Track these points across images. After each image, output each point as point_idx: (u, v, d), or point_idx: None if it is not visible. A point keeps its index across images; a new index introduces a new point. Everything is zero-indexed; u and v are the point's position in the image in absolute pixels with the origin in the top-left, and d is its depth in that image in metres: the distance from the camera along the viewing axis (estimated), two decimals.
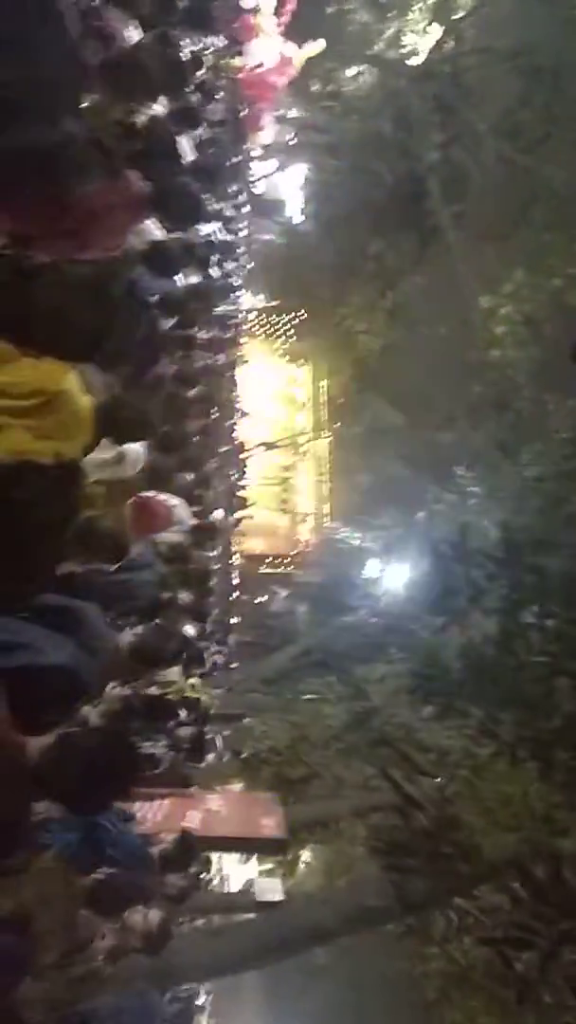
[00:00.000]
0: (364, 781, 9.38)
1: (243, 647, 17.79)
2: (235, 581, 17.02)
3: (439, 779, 5.93)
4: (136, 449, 3.08)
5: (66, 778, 2.17)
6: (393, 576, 19.79)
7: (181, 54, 4.58)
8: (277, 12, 12.01)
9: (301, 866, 10.89)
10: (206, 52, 7.06)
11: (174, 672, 5.58)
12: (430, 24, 19.55)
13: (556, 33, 16.76)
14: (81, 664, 2.08)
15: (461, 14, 19.00)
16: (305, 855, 10.82)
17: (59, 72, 2.32)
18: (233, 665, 15.43)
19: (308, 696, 12.38)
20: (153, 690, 4.78)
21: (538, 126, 17.78)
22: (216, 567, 9.66)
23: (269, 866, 10.88)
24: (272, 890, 7.10)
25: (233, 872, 12.99)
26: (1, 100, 2.22)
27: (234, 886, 12.27)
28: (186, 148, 5.00)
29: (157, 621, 4.10)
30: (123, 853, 3.28)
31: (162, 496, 4.13)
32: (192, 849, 4.39)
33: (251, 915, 7.06)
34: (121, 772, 2.32)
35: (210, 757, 9.06)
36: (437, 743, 7.80)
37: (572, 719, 5.56)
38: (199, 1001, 11.87)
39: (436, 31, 19.41)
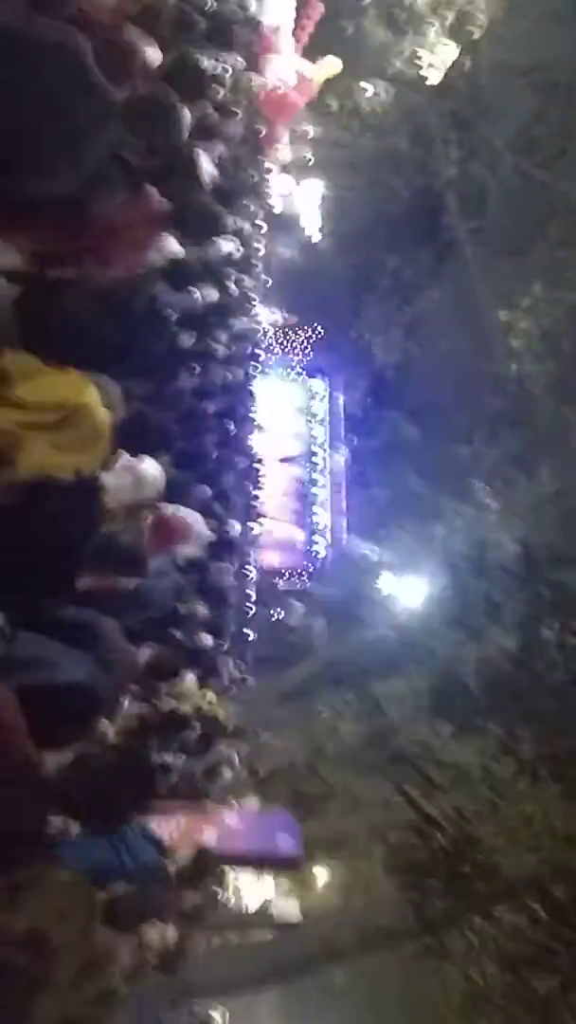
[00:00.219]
0: (382, 799, 9.30)
1: (260, 662, 17.74)
2: (252, 595, 16.98)
3: (458, 798, 5.86)
4: (154, 473, 3.09)
5: (83, 795, 2.17)
6: (410, 591, 19.69)
7: (202, 71, 4.64)
8: (295, 32, 12.12)
9: (318, 884, 10.79)
10: (226, 71, 7.15)
11: (190, 686, 5.58)
12: (447, 41, 19.67)
13: (572, 49, 16.83)
14: (98, 681, 2.08)
15: (477, 33, 19.10)
16: (322, 873, 10.73)
17: (86, 119, 2.36)
18: (250, 680, 15.38)
19: (325, 712, 12.32)
20: (169, 704, 4.77)
21: (554, 142, 17.81)
22: (233, 581, 9.65)
23: (286, 885, 10.80)
24: (289, 909, 7.04)
25: (249, 890, 12.89)
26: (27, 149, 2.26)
27: (251, 904, 12.18)
28: (205, 165, 5.05)
29: (174, 635, 4.11)
30: (139, 868, 3.27)
31: (180, 511, 4.14)
32: (209, 866, 4.37)
33: (268, 934, 7.01)
34: (137, 790, 2.31)
35: (227, 774, 9.02)
36: (456, 761, 7.73)
37: None
38: (214, 1020, 11.74)
39: (453, 49, 19.52)
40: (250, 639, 15.99)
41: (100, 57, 2.57)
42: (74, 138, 2.40)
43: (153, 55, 3.70)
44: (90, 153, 2.54)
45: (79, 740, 2.20)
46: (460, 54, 19.12)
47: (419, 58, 19.77)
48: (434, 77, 19.31)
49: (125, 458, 2.86)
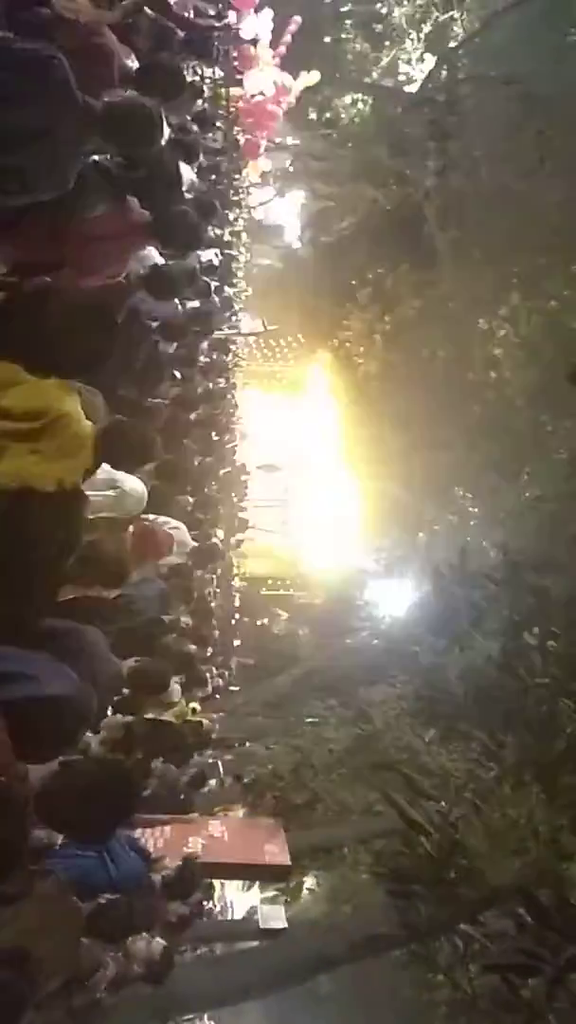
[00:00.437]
0: (368, 806, 9.29)
1: (245, 670, 17.71)
2: (236, 603, 16.97)
3: (443, 803, 5.88)
4: (137, 489, 3.10)
5: (67, 807, 2.16)
6: (394, 597, 19.78)
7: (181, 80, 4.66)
8: (274, 43, 12.23)
9: (305, 893, 10.75)
10: (205, 81, 7.20)
11: (176, 695, 5.55)
12: (425, 53, 19.90)
13: (548, 60, 17.07)
14: (82, 694, 2.07)
15: (455, 43, 19.35)
16: (309, 881, 10.69)
17: (61, 126, 2.37)
18: (234, 688, 15.34)
19: (310, 719, 12.30)
20: (154, 714, 4.75)
21: (532, 151, 18.04)
22: (217, 589, 9.64)
23: (272, 893, 10.75)
24: (275, 918, 7.01)
25: (236, 899, 12.82)
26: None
27: (237, 914, 12.11)
28: (186, 175, 5.06)
29: (158, 644, 4.09)
30: (125, 880, 3.25)
31: (162, 519, 4.14)
32: (194, 877, 4.35)
33: (254, 943, 6.97)
34: (122, 801, 2.30)
35: (212, 782, 8.97)
36: (441, 766, 7.75)
37: (575, 742, 5.53)
38: None
39: (431, 60, 19.76)
40: (235, 647, 15.97)
41: (77, 60, 2.58)
42: (52, 148, 2.40)
43: (130, 63, 3.72)
44: (69, 163, 2.55)
45: (63, 754, 2.19)
46: (437, 65, 19.35)
47: (398, 69, 20.00)
48: (412, 88, 19.53)
49: (108, 473, 2.86)
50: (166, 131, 3.86)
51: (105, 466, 2.71)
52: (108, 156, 3.15)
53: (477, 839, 5.25)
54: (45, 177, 2.36)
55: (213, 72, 8.18)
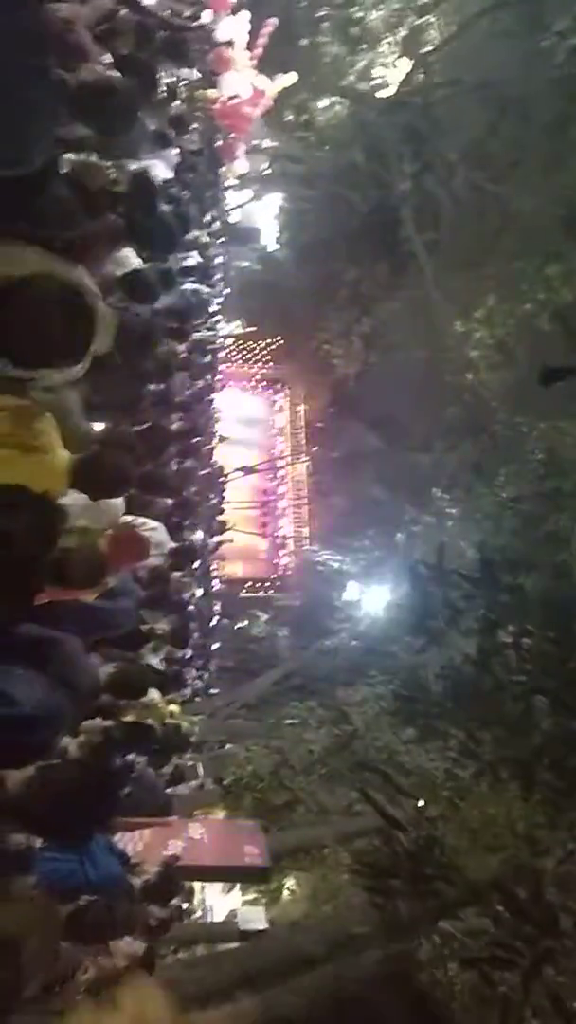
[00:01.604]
0: (347, 806, 9.34)
1: (224, 672, 17.70)
2: (215, 605, 16.97)
3: (421, 801, 5.92)
4: (115, 502, 3.12)
5: (45, 810, 2.16)
6: (373, 598, 19.87)
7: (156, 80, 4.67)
8: (250, 45, 12.25)
9: (285, 894, 10.78)
10: (181, 84, 7.20)
11: (155, 699, 5.55)
12: (400, 57, 20.05)
13: (522, 65, 17.26)
14: (52, 710, 2.06)
15: (430, 48, 19.51)
16: (289, 882, 10.72)
17: (34, 97, 2.34)
18: (214, 691, 15.34)
19: (290, 721, 12.34)
20: (133, 717, 4.75)
21: (506, 155, 18.24)
22: (196, 591, 9.64)
23: (253, 895, 10.76)
24: (255, 919, 7.02)
25: (216, 901, 12.83)
26: None
27: (218, 915, 12.11)
28: (162, 177, 5.08)
29: (136, 653, 4.10)
30: (104, 883, 3.25)
31: (140, 521, 4.15)
32: (174, 880, 4.35)
33: (235, 944, 6.97)
34: (100, 804, 2.30)
35: (192, 785, 8.97)
36: (419, 765, 7.80)
37: (551, 738, 5.59)
38: None
39: (406, 64, 19.90)
40: (214, 649, 15.97)
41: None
42: (23, 119, 2.36)
43: (104, 60, 3.73)
44: (37, 136, 2.50)
45: (39, 761, 2.19)
46: (413, 69, 19.50)
47: (373, 73, 20.12)
48: (388, 92, 19.65)
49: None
50: (141, 113, 3.88)
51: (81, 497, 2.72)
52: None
53: (455, 836, 5.30)
54: (5, 143, 2.31)
55: (190, 73, 8.18)
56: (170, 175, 5.52)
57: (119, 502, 3.27)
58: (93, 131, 3.17)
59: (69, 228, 2.65)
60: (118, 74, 3.63)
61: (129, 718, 4.49)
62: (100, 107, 3.11)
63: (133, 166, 3.59)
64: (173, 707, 6.87)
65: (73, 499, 2.68)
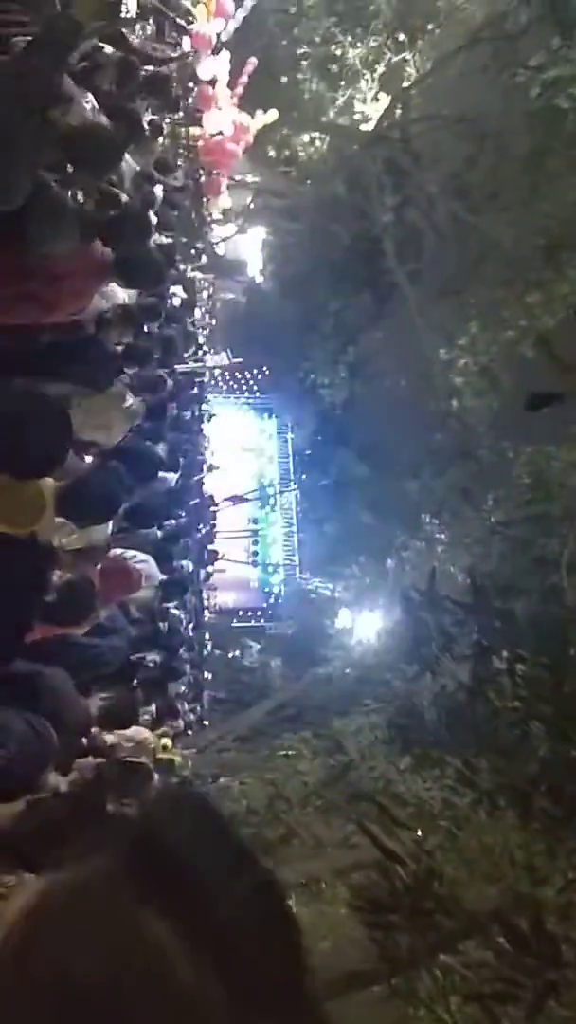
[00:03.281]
0: (344, 839, 9.19)
1: (217, 704, 17.53)
2: (207, 636, 16.86)
3: (418, 832, 5.85)
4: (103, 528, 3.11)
5: (35, 845, 2.12)
6: (365, 625, 19.81)
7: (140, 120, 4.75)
8: (232, 83, 12.50)
9: None
10: (165, 120, 7.32)
11: (146, 734, 5.48)
12: (379, 93, 20.47)
13: (499, 100, 17.66)
14: (35, 752, 2.04)
15: (408, 83, 19.94)
16: None
17: (18, 139, 2.38)
18: (206, 723, 15.17)
19: (284, 752, 12.19)
20: (124, 753, 4.68)
21: (485, 186, 18.58)
22: (187, 622, 9.58)
23: None
24: None
25: None
26: None
27: None
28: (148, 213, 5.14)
29: (127, 682, 4.05)
30: None
31: (130, 553, 4.13)
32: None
33: None
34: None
35: None
36: (416, 794, 7.71)
37: (547, 765, 5.55)
38: None
39: (385, 99, 20.32)
40: (206, 681, 15.83)
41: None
42: (10, 156, 2.39)
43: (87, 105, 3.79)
44: (22, 173, 2.53)
45: (25, 796, 2.15)
46: (391, 105, 19.92)
47: (354, 108, 20.54)
48: (368, 126, 20.05)
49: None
50: (127, 158, 3.94)
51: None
52: (80, 194, 3.20)
53: (454, 867, 5.22)
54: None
55: (175, 112, 8.32)
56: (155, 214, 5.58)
57: (107, 528, 3.26)
58: (79, 171, 3.22)
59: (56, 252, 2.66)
60: (104, 119, 3.69)
61: (122, 757, 4.42)
62: (86, 151, 3.16)
63: (125, 199, 3.64)
64: (165, 741, 6.78)
65: (61, 525, 2.67)
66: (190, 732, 11.77)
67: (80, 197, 3.23)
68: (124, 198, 3.62)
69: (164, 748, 6.53)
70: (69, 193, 3.09)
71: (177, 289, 7.98)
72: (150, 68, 6.21)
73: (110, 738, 4.07)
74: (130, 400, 4.10)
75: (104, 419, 3.81)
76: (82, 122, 3.46)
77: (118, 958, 0.46)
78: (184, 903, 0.49)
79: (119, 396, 4.01)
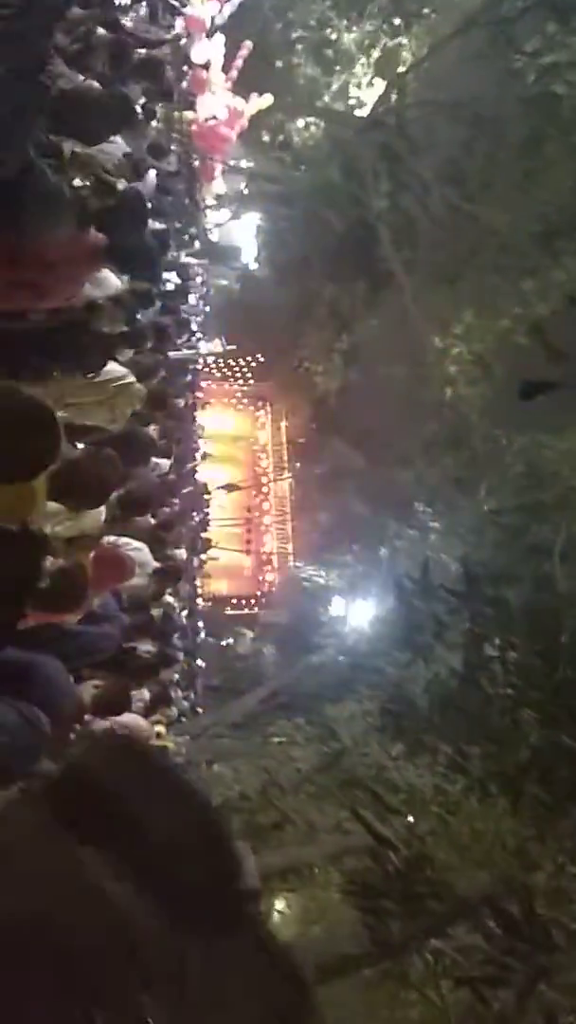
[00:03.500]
0: (337, 824, 9.25)
1: (210, 691, 17.58)
2: (200, 624, 16.88)
3: (410, 818, 5.89)
4: (96, 512, 3.09)
5: None
6: (358, 613, 19.84)
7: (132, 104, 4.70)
8: (226, 67, 12.39)
9: (275, 915, 10.64)
10: (158, 105, 7.25)
11: (140, 723, 5.49)
12: (375, 78, 20.32)
13: (494, 85, 17.55)
14: (17, 746, 2.04)
15: (404, 68, 19.79)
16: (279, 904, 10.59)
17: (15, 102, 2.36)
18: (200, 710, 15.22)
19: (277, 739, 12.24)
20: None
21: (481, 173, 18.49)
22: (181, 610, 9.59)
23: None
24: None
25: None
26: None
27: None
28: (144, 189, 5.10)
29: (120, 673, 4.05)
30: None
31: (123, 540, 4.12)
32: None
33: None
34: None
35: None
36: (408, 781, 7.76)
37: (538, 752, 5.59)
38: None
39: (381, 84, 20.17)
40: (200, 668, 15.86)
41: None
42: (3, 121, 2.37)
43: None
44: (19, 139, 2.50)
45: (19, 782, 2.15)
46: (387, 89, 19.77)
47: (349, 93, 20.39)
48: (363, 112, 19.91)
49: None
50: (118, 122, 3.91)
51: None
52: (76, 180, 3.18)
53: (445, 852, 5.27)
54: None
55: (169, 97, 8.24)
56: (149, 198, 5.54)
57: (100, 512, 3.24)
58: (71, 138, 3.20)
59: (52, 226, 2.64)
60: (96, 84, 3.68)
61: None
62: (78, 116, 3.14)
63: (121, 185, 3.61)
64: (159, 728, 6.80)
65: (55, 510, 2.66)
66: (184, 719, 11.80)
67: (76, 182, 3.21)
68: (120, 186, 3.58)
69: (158, 735, 6.55)
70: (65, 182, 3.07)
71: (171, 275, 7.94)
72: (143, 51, 6.15)
73: (103, 726, 4.07)
74: (131, 379, 4.09)
75: (107, 404, 3.81)
76: (74, 87, 3.43)
77: (46, 887, 0.47)
78: (113, 830, 0.50)
79: (121, 376, 4.01)
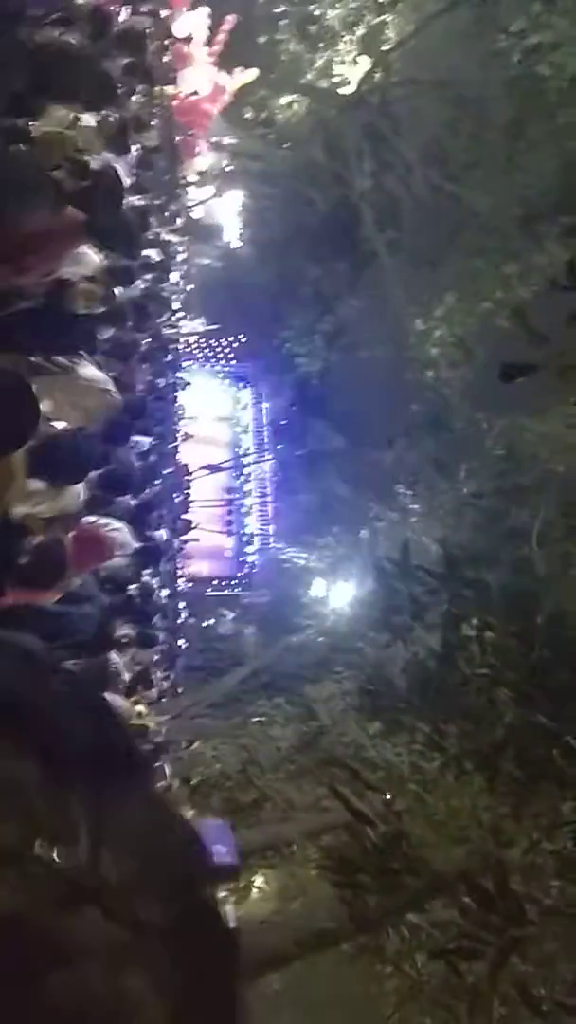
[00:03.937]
0: (315, 802, 9.36)
1: (191, 672, 17.61)
2: (181, 605, 16.87)
3: (388, 795, 5.97)
4: (74, 488, 3.07)
5: None
6: (339, 594, 19.95)
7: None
8: (209, 41, 12.19)
9: (254, 892, 10.78)
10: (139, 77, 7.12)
11: (122, 702, 5.51)
12: (359, 55, 20.08)
13: (480, 65, 17.42)
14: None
15: (389, 46, 19.58)
16: (258, 880, 10.72)
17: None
18: (180, 690, 15.26)
19: (257, 719, 12.34)
20: None
21: (465, 154, 18.41)
22: (162, 591, 9.58)
23: (221, 894, 10.72)
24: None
25: None
26: None
27: None
28: (122, 175, 5.03)
29: (101, 649, 4.06)
30: None
31: (104, 521, 4.10)
32: None
33: None
34: None
35: (159, 785, 8.91)
36: (386, 759, 7.87)
37: (514, 730, 5.68)
38: None
39: (365, 62, 19.95)
40: (180, 649, 15.88)
41: None
42: None
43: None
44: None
45: None
46: (372, 67, 19.56)
47: (333, 70, 20.14)
48: (347, 90, 19.69)
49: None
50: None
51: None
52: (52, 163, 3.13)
53: (421, 828, 5.35)
54: None
55: (150, 69, 8.10)
56: (129, 174, 5.46)
57: (79, 489, 3.23)
58: (48, 95, 3.15)
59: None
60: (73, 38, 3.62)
61: None
62: (56, 70, 3.09)
63: (97, 163, 3.56)
64: (140, 708, 6.82)
65: (35, 487, 2.65)
66: (164, 699, 11.83)
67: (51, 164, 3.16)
68: (95, 165, 3.53)
69: (138, 715, 6.57)
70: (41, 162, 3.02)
71: (151, 252, 7.85)
72: (124, 22, 6.05)
73: None
74: (111, 387, 4.03)
75: (82, 404, 3.77)
76: (51, 40, 3.37)
77: None
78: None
79: (101, 382, 3.95)
